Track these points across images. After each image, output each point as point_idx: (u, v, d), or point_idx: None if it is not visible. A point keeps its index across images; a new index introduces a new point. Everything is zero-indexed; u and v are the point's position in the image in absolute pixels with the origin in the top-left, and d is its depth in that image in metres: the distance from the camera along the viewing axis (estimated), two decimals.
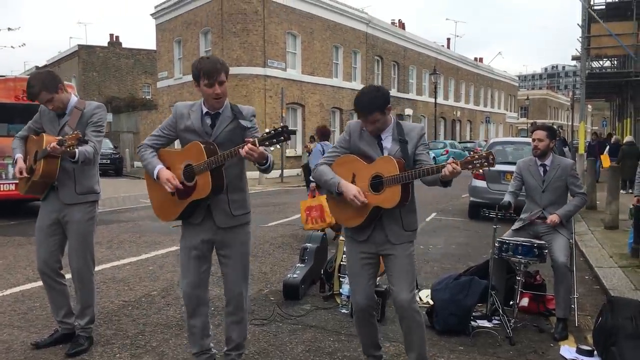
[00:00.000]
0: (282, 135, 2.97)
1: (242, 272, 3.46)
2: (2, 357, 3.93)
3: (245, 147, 3.01)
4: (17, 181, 4.02)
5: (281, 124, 3.05)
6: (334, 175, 3.34)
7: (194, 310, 3.45)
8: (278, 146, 3.16)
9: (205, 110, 3.36)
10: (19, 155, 4.02)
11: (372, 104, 3.23)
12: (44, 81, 3.80)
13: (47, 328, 4.47)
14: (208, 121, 3.35)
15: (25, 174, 3.96)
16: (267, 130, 3.00)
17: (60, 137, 3.68)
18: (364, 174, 3.28)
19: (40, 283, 5.76)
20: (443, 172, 3.02)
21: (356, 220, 3.34)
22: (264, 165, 3.20)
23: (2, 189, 10.32)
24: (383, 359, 3.75)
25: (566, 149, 23.80)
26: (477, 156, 2.96)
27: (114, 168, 25.57)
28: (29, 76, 3.93)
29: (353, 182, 3.30)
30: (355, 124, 3.46)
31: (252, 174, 14.83)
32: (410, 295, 3.33)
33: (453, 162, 3.00)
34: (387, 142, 3.36)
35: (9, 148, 10.06)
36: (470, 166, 2.98)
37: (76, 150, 3.69)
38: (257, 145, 2.98)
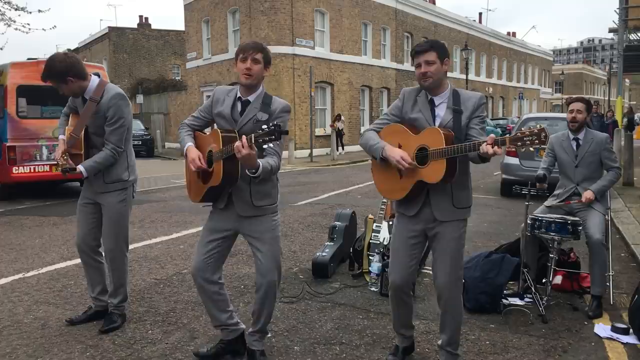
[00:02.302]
0: (273, 134, 2.79)
1: (272, 261, 3.35)
2: (38, 333, 4.04)
3: (237, 142, 2.91)
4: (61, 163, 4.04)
5: (272, 124, 2.83)
6: (379, 140, 3.21)
7: (200, 288, 3.42)
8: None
9: (238, 95, 3.30)
10: (62, 137, 4.09)
11: (432, 41, 3.15)
12: (55, 71, 3.81)
13: (82, 305, 4.57)
14: (239, 108, 3.29)
15: (61, 155, 4.02)
16: (264, 126, 2.83)
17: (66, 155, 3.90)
18: (410, 145, 3.11)
19: (74, 261, 5.92)
20: (481, 150, 2.79)
21: (398, 193, 3.20)
22: (253, 174, 3.05)
23: (37, 170, 10.56)
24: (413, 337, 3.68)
25: None
26: (527, 132, 2.66)
27: (146, 149, 25.83)
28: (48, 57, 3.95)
29: None
30: (410, 91, 3.28)
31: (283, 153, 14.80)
32: (449, 279, 3.24)
33: (493, 142, 2.73)
34: (441, 109, 3.15)
35: (43, 130, 10.40)
36: (519, 143, 2.69)
37: (81, 169, 3.90)
38: (249, 143, 2.85)
